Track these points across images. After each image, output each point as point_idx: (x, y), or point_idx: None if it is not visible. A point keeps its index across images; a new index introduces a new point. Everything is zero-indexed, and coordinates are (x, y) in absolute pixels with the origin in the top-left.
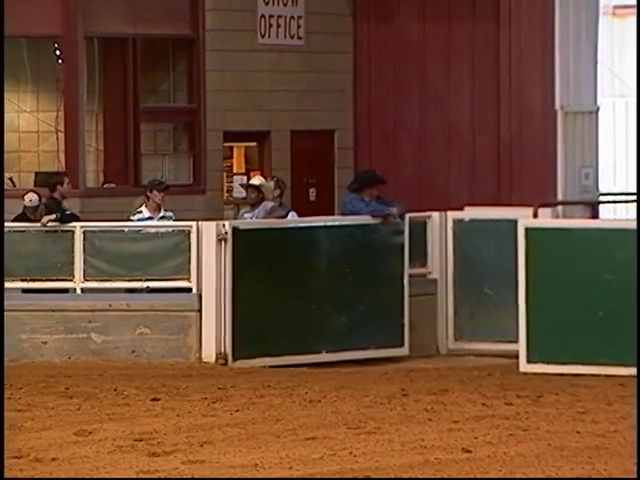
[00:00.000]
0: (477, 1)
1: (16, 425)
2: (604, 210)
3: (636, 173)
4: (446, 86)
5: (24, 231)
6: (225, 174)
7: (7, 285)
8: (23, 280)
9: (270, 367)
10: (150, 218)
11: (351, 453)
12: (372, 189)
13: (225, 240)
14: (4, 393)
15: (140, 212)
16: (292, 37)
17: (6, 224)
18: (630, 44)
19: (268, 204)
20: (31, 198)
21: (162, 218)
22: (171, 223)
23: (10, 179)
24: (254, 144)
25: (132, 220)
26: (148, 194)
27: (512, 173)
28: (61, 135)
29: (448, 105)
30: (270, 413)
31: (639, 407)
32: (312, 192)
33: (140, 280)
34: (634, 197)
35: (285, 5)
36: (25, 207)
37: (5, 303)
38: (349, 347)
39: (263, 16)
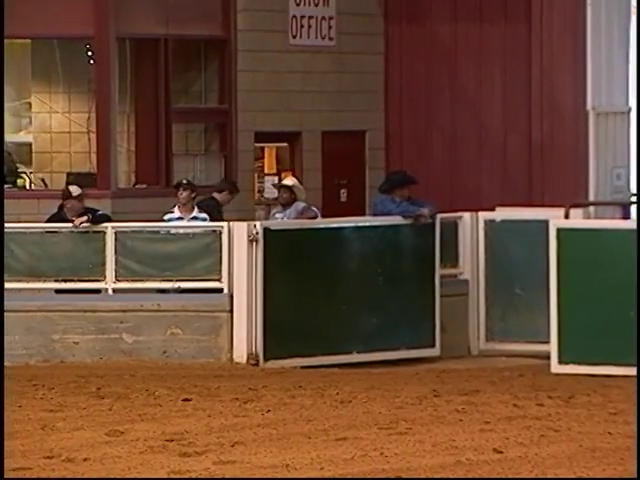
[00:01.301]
0: (509, 2)
1: (48, 425)
2: (636, 211)
3: (636, 173)
4: (477, 87)
5: (56, 232)
6: (256, 175)
7: (40, 285)
8: (55, 280)
9: (301, 368)
10: (180, 219)
11: (382, 454)
12: (403, 190)
13: (256, 240)
14: (4, 393)
15: (172, 212)
16: (323, 38)
17: (38, 225)
18: None
19: (300, 204)
20: (75, 189)
21: (193, 219)
22: (202, 224)
23: (42, 180)
24: (285, 145)
25: (164, 220)
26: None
27: (544, 173)
28: (93, 136)
29: (479, 106)
30: (301, 414)
31: (639, 407)
32: (343, 193)
33: (171, 280)
34: None
35: (316, 6)
36: (62, 206)
37: (37, 303)
38: (380, 348)
39: (294, 17)
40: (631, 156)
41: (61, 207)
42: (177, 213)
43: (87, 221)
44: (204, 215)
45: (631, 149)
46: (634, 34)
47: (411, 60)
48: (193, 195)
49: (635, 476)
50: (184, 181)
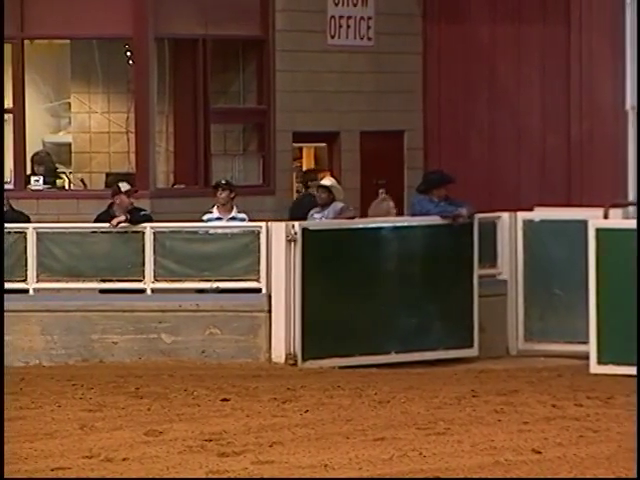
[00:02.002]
0: (547, 2)
1: (87, 425)
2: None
3: (636, 173)
4: (516, 87)
5: (96, 232)
6: (294, 175)
7: (79, 285)
8: (94, 281)
9: (339, 368)
10: (219, 219)
11: (420, 454)
12: (440, 189)
13: (295, 241)
14: (4, 393)
15: (210, 212)
16: (362, 38)
17: (78, 224)
18: None
19: (338, 205)
20: (124, 185)
21: (231, 219)
22: (241, 224)
23: (81, 180)
24: (323, 145)
25: (202, 220)
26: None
27: (582, 173)
28: (132, 136)
29: (518, 106)
30: (339, 414)
31: (639, 407)
32: (381, 193)
33: (210, 281)
34: None
35: (355, 6)
36: (111, 204)
37: (77, 303)
38: (418, 348)
39: (333, 17)
40: None
41: (110, 205)
42: (216, 213)
43: (125, 221)
44: (243, 215)
45: None
46: None
47: (449, 60)
48: (232, 195)
49: (635, 476)
50: (223, 181)
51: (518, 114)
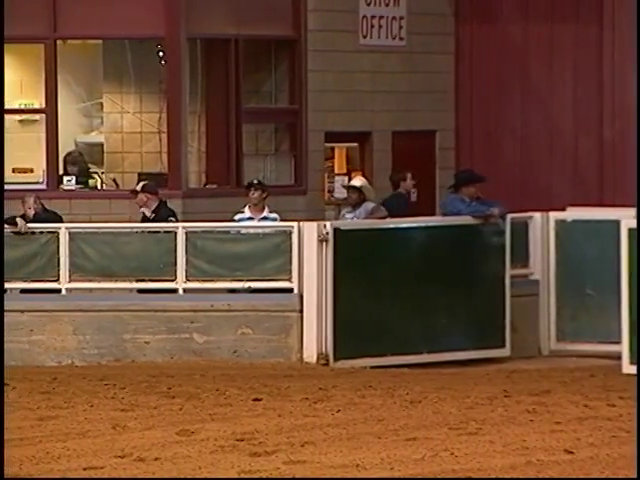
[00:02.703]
0: (580, 1)
1: (119, 425)
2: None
3: (636, 173)
4: (548, 87)
5: (128, 232)
6: (326, 174)
7: (111, 285)
8: (126, 280)
9: (371, 367)
10: (251, 219)
11: (452, 454)
12: (469, 188)
13: (326, 240)
14: (4, 394)
15: (242, 212)
16: (394, 38)
17: (110, 224)
18: None
19: (369, 204)
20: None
21: (263, 219)
22: (272, 224)
23: (114, 180)
24: (355, 145)
25: (234, 220)
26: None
27: (615, 173)
28: (164, 136)
29: (550, 105)
30: (371, 413)
31: (639, 406)
32: (413, 193)
33: (242, 280)
34: None
35: (387, 6)
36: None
37: (109, 303)
38: (450, 348)
39: (365, 17)
40: None
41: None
42: (247, 213)
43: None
44: (274, 215)
45: None
46: None
47: (482, 60)
48: (264, 195)
49: (635, 476)
50: (255, 181)
51: (550, 114)
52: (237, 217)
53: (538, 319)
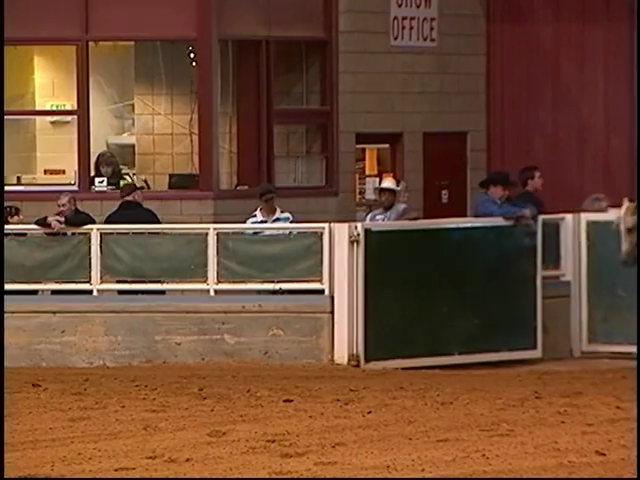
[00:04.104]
0: (611, 2)
1: (151, 426)
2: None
3: (636, 173)
4: (580, 87)
5: (159, 233)
6: (357, 176)
7: (142, 287)
8: (157, 282)
9: (402, 369)
10: (264, 221)
11: (484, 455)
12: (497, 187)
13: (357, 242)
14: (4, 393)
15: (254, 216)
16: (425, 39)
17: (141, 226)
18: None
19: (400, 206)
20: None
21: (275, 220)
22: (304, 225)
23: (145, 181)
24: (386, 146)
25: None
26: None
27: None
28: (195, 137)
29: (581, 106)
30: (402, 415)
31: (639, 406)
32: (444, 194)
33: (273, 282)
34: None
35: (418, 7)
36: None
37: (140, 304)
38: (481, 349)
39: (396, 18)
40: None
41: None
42: (260, 216)
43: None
44: (286, 214)
45: None
46: None
47: (513, 61)
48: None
49: (635, 476)
50: (268, 191)
51: (582, 114)
52: (250, 221)
53: (569, 320)
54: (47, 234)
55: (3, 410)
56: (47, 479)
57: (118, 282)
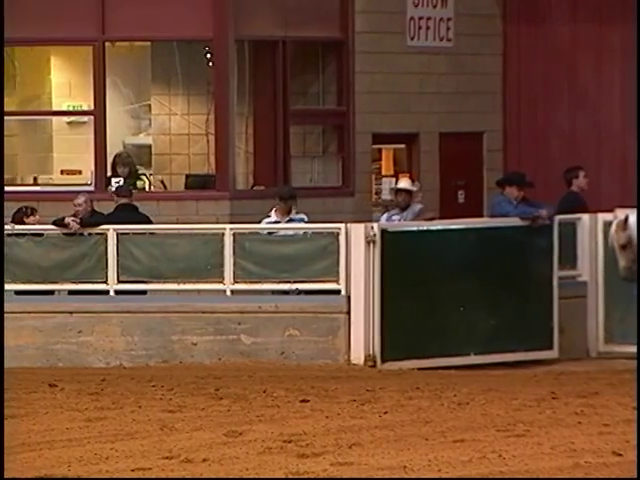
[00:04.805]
0: (628, 2)
1: (167, 426)
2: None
3: (636, 173)
4: (597, 87)
5: (176, 233)
6: (374, 176)
7: (159, 287)
8: (174, 282)
9: (418, 369)
10: (277, 222)
11: (500, 456)
12: (512, 188)
13: (374, 242)
14: (4, 394)
15: (269, 216)
16: (441, 39)
17: (158, 226)
18: None
19: (417, 206)
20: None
21: (289, 221)
22: (320, 225)
23: (161, 182)
24: (403, 146)
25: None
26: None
27: None
28: (211, 138)
29: (599, 106)
30: (419, 415)
31: (639, 406)
32: (461, 194)
33: (289, 282)
34: None
35: (434, 7)
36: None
37: (157, 304)
38: (498, 350)
39: (412, 18)
40: None
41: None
42: (274, 217)
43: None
44: (301, 215)
45: None
46: None
47: (530, 61)
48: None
49: (635, 476)
50: (286, 194)
51: (599, 115)
52: (265, 221)
53: (586, 321)
54: (64, 234)
55: (3, 410)
56: (64, 479)
57: (135, 282)
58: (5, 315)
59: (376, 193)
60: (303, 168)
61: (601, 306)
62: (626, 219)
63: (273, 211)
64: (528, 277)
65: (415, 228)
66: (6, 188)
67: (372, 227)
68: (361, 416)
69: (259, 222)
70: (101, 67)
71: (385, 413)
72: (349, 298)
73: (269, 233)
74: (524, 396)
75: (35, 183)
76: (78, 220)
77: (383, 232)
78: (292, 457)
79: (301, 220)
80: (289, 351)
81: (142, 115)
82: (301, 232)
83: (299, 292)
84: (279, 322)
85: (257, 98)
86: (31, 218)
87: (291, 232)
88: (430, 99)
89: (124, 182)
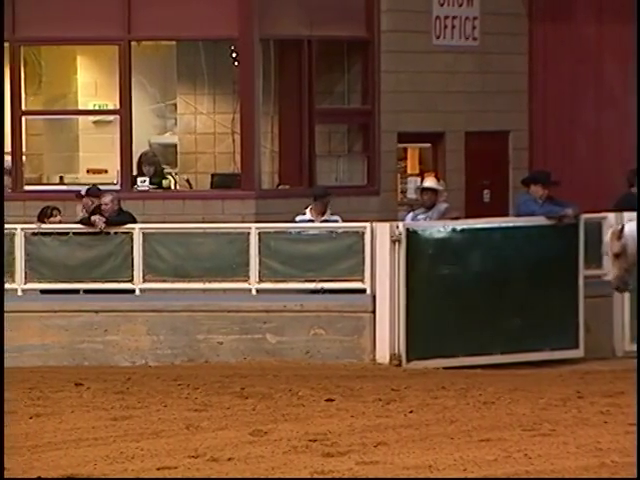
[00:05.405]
0: None
1: (193, 425)
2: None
3: (636, 172)
4: (622, 87)
5: (202, 232)
6: (399, 175)
7: (184, 286)
8: (200, 281)
9: (444, 368)
10: (311, 221)
11: (526, 455)
12: (537, 186)
13: (399, 241)
14: (4, 393)
15: (304, 214)
16: (467, 38)
17: (183, 225)
18: None
19: (442, 205)
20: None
21: (324, 221)
22: (345, 224)
23: (187, 181)
24: (428, 145)
25: (295, 221)
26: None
27: None
28: (237, 137)
29: (624, 106)
30: (444, 414)
31: (639, 406)
32: (486, 193)
33: (314, 281)
34: None
35: (460, 6)
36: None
37: (182, 303)
38: (523, 349)
39: (438, 17)
40: None
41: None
42: (309, 215)
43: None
44: (336, 217)
45: None
46: None
47: (556, 60)
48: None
49: (635, 476)
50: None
51: (624, 114)
52: (298, 218)
53: (612, 320)
54: (90, 233)
55: (3, 410)
56: (89, 478)
57: (160, 281)
58: (31, 314)
59: (401, 192)
60: (328, 167)
61: (627, 305)
62: (622, 228)
63: (308, 210)
64: (554, 276)
65: (441, 227)
66: (32, 187)
67: (397, 226)
68: (386, 415)
69: (292, 220)
70: (127, 66)
71: (410, 412)
72: (374, 297)
73: (297, 232)
74: (550, 395)
75: (61, 182)
76: (104, 219)
77: (408, 231)
78: (317, 456)
79: (335, 222)
80: (314, 350)
81: (168, 114)
82: (327, 231)
83: (324, 291)
84: (304, 321)
85: (282, 97)
86: (51, 219)
87: (317, 231)
88: (456, 98)
89: (149, 181)
